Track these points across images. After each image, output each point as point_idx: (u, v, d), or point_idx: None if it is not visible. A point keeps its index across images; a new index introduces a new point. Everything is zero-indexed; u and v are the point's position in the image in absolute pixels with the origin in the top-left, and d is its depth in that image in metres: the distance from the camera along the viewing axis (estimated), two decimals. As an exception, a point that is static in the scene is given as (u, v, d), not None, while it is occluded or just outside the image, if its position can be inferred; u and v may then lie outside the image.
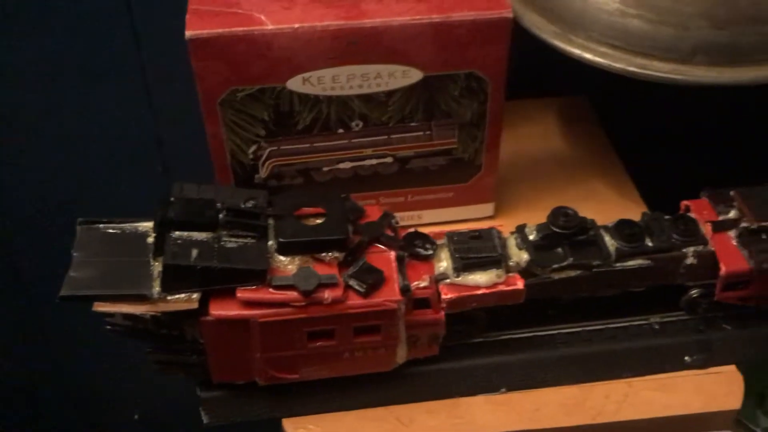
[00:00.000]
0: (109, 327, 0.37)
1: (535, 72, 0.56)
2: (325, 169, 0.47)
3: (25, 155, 0.64)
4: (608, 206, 0.52)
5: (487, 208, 0.51)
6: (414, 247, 0.39)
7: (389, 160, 0.47)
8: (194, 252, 0.34)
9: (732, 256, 0.40)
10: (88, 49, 0.58)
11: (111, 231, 0.38)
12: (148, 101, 0.61)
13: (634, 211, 0.43)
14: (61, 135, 0.62)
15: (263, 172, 0.46)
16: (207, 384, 0.39)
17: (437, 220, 0.51)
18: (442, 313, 0.38)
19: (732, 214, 0.41)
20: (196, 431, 0.43)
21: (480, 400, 0.41)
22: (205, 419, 0.40)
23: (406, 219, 0.51)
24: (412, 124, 0.46)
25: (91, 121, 0.62)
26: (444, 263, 0.39)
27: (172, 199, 0.36)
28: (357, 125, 0.45)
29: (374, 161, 0.47)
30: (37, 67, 0.58)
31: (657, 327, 0.43)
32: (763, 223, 0.40)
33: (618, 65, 0.42)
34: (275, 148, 0.45)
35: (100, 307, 0.35)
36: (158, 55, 0.58)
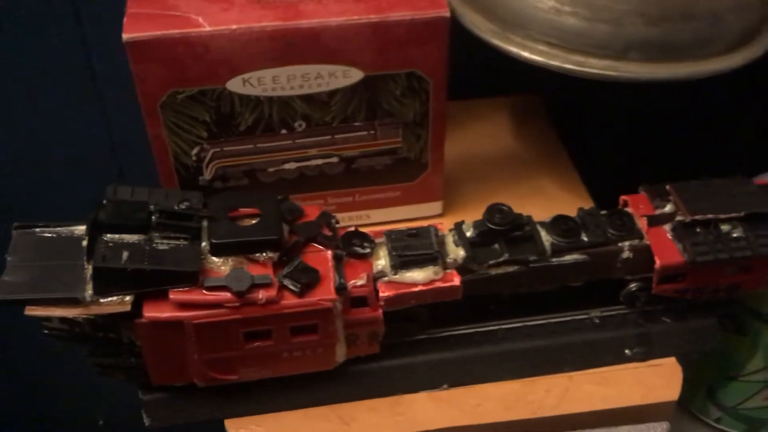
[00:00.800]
0: (46, 331, 0.37)
1: (487, 71, 0.57)
2: (271, 169, 0.47)
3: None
4: (556, 203, 0.52)
5: (436, 207, 0.52)
6: (352, 246, 0.39)
7: (335, 160, 0.48)
8: (125, 254, 0.34)
9: (667, 250, 0.40)
10: (35, 52, 0.57)
11: (47, 235, 0.38)
12: (101, 104, 0.61)
13: (582, 207, 0.43)
14: (10, 139, 0.62)
15: (207, 174, 0.46)
16: (147, 386, 0.39)
17: (386, 219, 0.51)
18: (380, 310, 0.39)
19: (668, 208, 0.42)
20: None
21: (422, 396, 0.41)
22: (146, 422, 0.40)
23: (354, 219, 0.51)
24: (356, 123, 0.46)
25: (44, 126, 0.62)
26: (382, 261, 0.39)
27: (105, 201, 0.36)
28: (300, 125, 0.45)
29: (320, 161, 0.47)
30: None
31: (597, 321, 0.43)
32: (697, 217, 0.40)
33: (554, 63, 0.43)
34: (218, 149, 0.45)
35: (32, 311, 0.35)
36: (108, 58, 0.58)
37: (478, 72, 0.57)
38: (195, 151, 0.45)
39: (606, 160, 0.63)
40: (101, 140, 0.63)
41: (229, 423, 0.40)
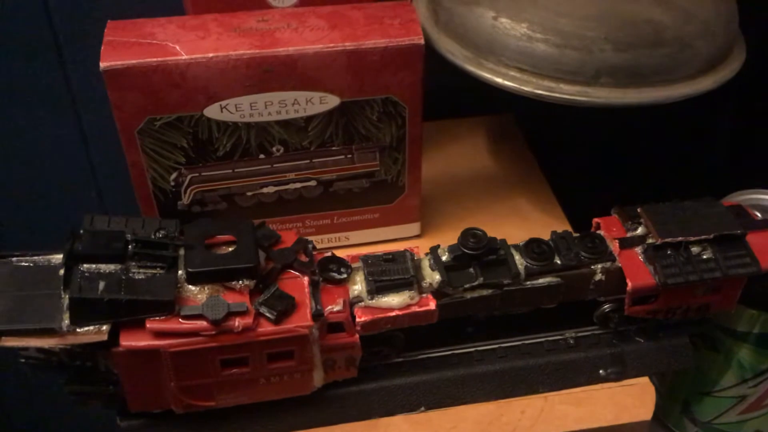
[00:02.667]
0: (23, 360, 0.37)
1: (463, 91, 0.58)
2: (249, 193, 0.48)
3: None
4: (532, 222, 0.53)
5: (414, 228, 0.52)
6: (329, 272, 0.40)
7: (313, 183, 0.48)
8: (101, 284, 0.34)
9: (638, 272, 0.41)
10: (15, 76, 0.58)
11: (23, 264, 0.38)
12: (79, 127, 0.61)
13: (557, 227, 0.44)
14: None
15: (186, 199, 0.47)
16: (125, 413, 0.40)
17: (365, 240, 0.52)
18: (357, 336, 0.39)
19: (639, 230, 0.42)
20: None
21: (399, 419, 0.42)
22: (124, 448, 0.40)
23: (334, 241, 0.51)
24: (333, 148, 0.47)
25: (23, 150, 0.62)
26: (358, 286, 0.40)
27: (81, 231, 0.37)
28: (278, 150, 0.46)
29: (298, 185, 0.48)
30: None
31: (572, 342, 0.44)
32: (667, 240, 0.41)
33: (526, 88, 0.44)
34: (196, 174, 0.46)
35: (8, 342, 0.35)
36: (87, 82, 0.59)
37: (454, 92, 0.58)
38: (173, 176, 0.46)
39: (581, 178, 0.63)
40: (81, 163, 0.63)
41: (207, 449, 0.40)
